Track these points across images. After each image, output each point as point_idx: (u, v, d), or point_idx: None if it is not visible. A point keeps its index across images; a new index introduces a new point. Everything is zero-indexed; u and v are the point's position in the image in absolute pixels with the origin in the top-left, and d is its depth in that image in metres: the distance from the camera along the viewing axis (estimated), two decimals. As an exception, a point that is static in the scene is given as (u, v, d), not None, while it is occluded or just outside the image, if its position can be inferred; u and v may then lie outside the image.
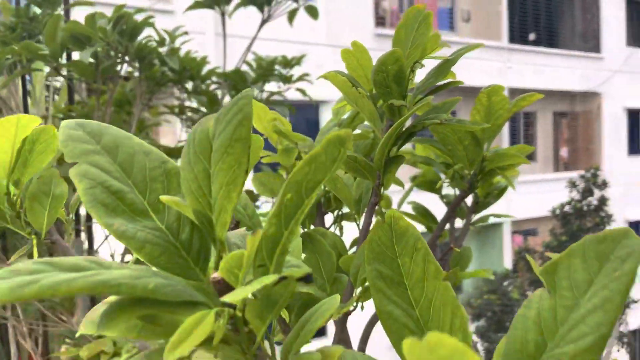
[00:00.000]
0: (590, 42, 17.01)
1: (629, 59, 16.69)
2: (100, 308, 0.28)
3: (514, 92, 14.56)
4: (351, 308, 0.53)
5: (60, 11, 1.99)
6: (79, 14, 2.05)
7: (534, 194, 12.98)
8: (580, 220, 10.39)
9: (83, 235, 1.85)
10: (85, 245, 1.86)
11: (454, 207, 0.73)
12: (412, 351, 0.18)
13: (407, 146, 0.65)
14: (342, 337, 0.55)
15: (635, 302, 10.45)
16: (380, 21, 12.71)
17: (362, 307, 0.54)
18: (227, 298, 0.26)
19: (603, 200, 10.48)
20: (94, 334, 0.31)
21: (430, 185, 0.80)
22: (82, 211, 1.80)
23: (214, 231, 0.31)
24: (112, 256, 1.81)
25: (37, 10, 1.96)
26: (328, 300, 0.33)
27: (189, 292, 0.27)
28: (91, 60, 1.44)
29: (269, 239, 0.29)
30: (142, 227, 0.30)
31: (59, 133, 0.33)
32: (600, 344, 0.27)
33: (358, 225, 0.62)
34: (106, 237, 1.62)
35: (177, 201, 0.32)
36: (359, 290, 0.54)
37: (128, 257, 1.92)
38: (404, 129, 0.56)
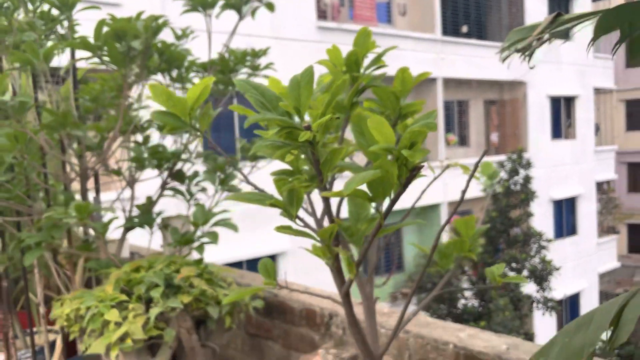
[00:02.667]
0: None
1: (551, 50, 18.00)
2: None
3: (448, 81, 15.54)
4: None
5: (75, 14, 2.44)
6: (81, 18, 2.50)
7: (467, 176, 13.94)
8: (508, 198, 11.46)
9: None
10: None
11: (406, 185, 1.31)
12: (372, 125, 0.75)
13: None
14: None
15: (557, 269, 11.59)
16: (321, 14, 13.23)
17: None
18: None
19: (527, 179, 11.58)
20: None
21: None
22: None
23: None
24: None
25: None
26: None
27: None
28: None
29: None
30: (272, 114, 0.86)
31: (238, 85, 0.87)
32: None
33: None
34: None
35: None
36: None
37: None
38: (360, 88, 1.14)
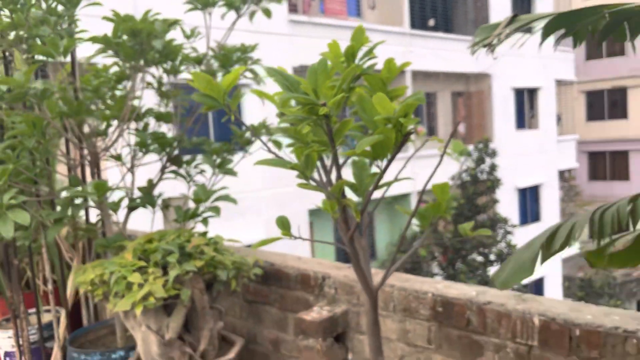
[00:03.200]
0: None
1: (514, 43, 18.58)
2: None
3: (417, 74, 15.95)
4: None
5: (78, 10, 2.63)
6: (83, 15, 2.69)
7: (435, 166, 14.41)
8: (475, 185, 11.95)
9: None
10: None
11: (401, 146, 1.57)
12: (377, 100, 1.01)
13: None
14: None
15: (513, 246, 12.09)
16: (292, 8, 13.43)
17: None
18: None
19: (493, 167, 12.08)
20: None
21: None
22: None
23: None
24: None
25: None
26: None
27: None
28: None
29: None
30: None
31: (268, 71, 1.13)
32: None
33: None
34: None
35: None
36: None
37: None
38: (355, 75, 1.40)
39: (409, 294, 1.95)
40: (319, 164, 1.36)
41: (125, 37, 2.22)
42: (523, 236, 16.78)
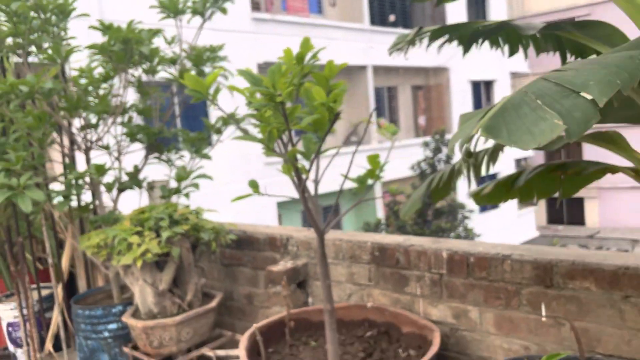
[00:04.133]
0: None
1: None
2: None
3: (378, 69, 16.60)
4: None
5: (69, 21, 3.05)
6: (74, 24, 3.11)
7: (399, 158, 15.15)
8: (433, 173, 12.65)
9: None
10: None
11: (332, 123, 2.09)
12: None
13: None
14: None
15: (478, 236, 12.91)
16: (255, 6, 13.84)
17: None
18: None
19: (449, 157, 12.81)
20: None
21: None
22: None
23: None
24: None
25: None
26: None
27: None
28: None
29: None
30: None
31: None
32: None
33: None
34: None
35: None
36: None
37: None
38: (304, 73, 1.92)
39: (354, 244, 2.48)
40: (278, 140, 1.87)
41: (116, 44, 2.67)
42: (483, 223, 17.72)
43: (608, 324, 1.86)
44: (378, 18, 17.53)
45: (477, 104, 20.87)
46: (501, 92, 21.68)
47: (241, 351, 2.04)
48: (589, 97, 0.75)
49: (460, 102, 19.53)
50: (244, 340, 2.12)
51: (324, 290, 1.96)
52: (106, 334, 2.75)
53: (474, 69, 20.15)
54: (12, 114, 2.87)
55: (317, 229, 1.90)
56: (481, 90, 21.23)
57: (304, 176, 1.81)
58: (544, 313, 1.97)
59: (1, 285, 3.98)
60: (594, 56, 1.56)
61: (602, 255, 1.94)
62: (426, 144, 13.20)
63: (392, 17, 18.15)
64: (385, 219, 13.78)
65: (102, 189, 3.07)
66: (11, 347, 3.51)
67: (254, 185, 1.90)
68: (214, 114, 11.76)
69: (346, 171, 1.93)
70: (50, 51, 2.69)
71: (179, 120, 11.63)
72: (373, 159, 2.19)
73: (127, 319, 2.59)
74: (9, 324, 3.49)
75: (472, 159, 1.88)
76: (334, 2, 16.36)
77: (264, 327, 2.28)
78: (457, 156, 14.48)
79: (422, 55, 17.71)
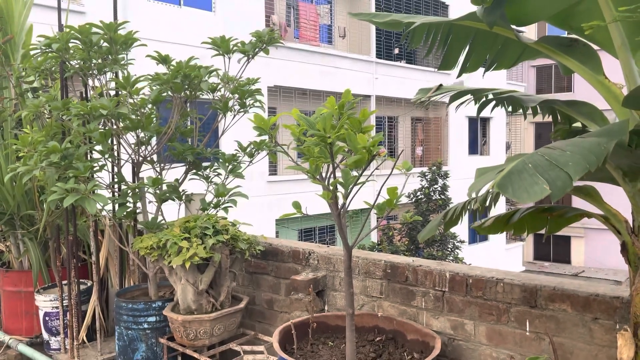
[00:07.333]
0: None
1: (471, 77, 20.10)
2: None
3: (380, 99, 17.22)
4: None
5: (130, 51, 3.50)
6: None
7: (396, 185, 15.61)
8: (428, 203, 13.14)
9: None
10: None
11: (370, 162, 2.54)
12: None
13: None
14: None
15: (469, 265, 13.32)
16: (268, 31, 14.41)
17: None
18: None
19: (444, 187, 13.32)
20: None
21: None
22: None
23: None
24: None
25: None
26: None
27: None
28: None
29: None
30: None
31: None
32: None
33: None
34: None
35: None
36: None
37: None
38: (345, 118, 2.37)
39: (369, 262, 2.91)
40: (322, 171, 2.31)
41: (178, 77, 3.11)
42: (473, 254, 18.16)
43: (580, 340, 2.28)
44: (384, 51, 18.20)
45: (473, 139, 21.48)
46: (497, 129, 22.33)
47: (275, 343, 2.45)
48: (568, 172, 1.19)
49: (457, 136, 20.12)
50: (276, 333, 2.53)
51: (347, 296, 2.37)
52: (145, 325, 3.14)
53: (472, 104, 20.69)
54: (78, 129, 3.30)
55: (346, 245, 2.33)
56: (477, 126, 21.87)
57: (340, 201, 2.25)
58: (528, 328, 2.39)
59: (35, 278, 4.35)
60: (576, 138, 2.04)
61: (578, 284, 2.37)
62: (424, 175, 13.71)
63: (396, 50, 18.83)
64: (378, 243, 14.19)
65: (147, 198, 3.49)
66: (45, 335, 3.87)
67: (297, 205, 2.33)
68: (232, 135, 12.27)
69: (371, 199, 2.36)
70: (121, 79, 3.14)
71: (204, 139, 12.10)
72: (392, 191, 2.62)
73: (167, 312, 2.98)
74: (46, 314, 3.86)
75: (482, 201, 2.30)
76: (344, 34, 17.02)
77: (290, 326, 2.68)
78: (453, 189, 15.07)
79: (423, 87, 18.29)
